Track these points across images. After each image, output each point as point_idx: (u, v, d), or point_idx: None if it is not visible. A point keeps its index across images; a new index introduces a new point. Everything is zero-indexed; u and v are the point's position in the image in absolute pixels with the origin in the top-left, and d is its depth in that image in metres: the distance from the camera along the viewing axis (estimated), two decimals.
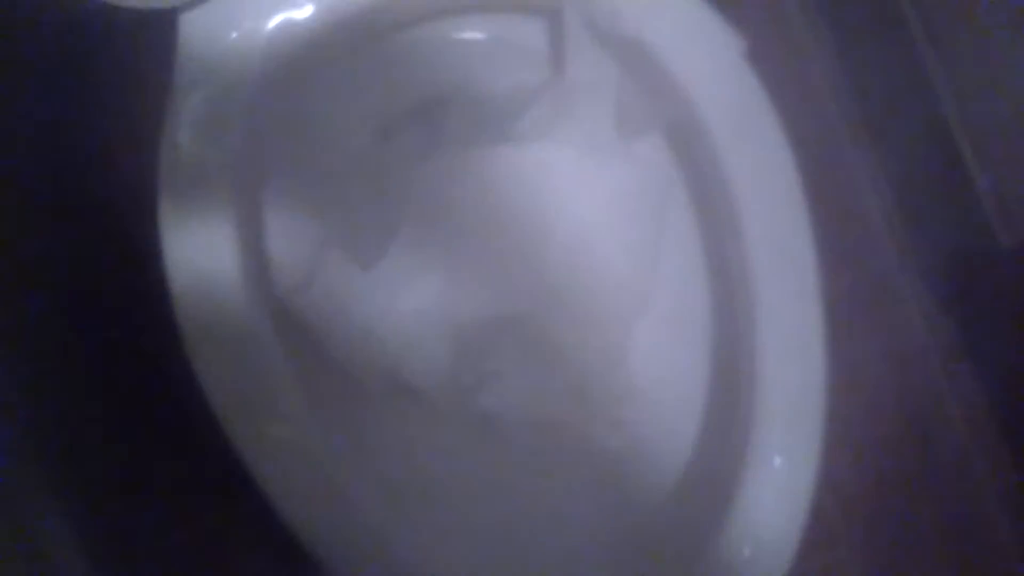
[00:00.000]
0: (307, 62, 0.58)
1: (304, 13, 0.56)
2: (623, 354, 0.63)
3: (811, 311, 0.56)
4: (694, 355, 0.62)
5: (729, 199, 0.57)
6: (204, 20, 0.55)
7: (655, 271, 0.63)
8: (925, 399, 0.91)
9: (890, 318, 0.91)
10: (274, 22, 0.56)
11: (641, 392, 0.63)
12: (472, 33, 0.64)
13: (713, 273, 0.61)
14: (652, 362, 0.63)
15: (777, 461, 0.54)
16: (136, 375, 0.74)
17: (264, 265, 0.59)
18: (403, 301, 0.63)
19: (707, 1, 0.58)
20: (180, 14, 0.55)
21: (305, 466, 0.55)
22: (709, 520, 0.55)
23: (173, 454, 0.74)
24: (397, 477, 0.60)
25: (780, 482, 0.54)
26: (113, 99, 0.77)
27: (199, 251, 0.54)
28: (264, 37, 0.55)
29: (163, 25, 0.55)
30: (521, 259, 0.63)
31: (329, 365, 0.61)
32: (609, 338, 0.63)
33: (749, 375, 0.57)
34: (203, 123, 0.54)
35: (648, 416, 0.63)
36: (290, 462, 0.55)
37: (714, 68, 0.58)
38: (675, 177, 0.63)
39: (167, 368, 0.56)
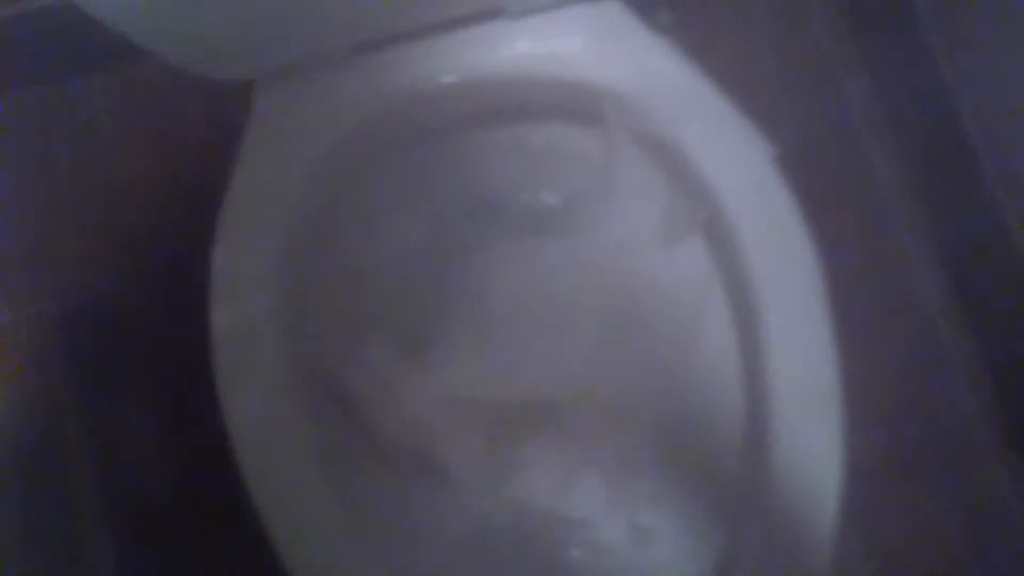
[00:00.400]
0: (370, 150, 0.64)
1: (370, 106, 0.62)
2: (651, 457, 0.63)
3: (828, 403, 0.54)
4: (717, 457, 0.60)
5: (754, 298, 0.57)
6: (278, 97, 0.61)
7: (689, 375, 0.63)
8: None
9: None
10: (340, 111, 0.62)
11: (665, 497, 0.62)
12: (527, 137, 0.68)
13: (742, 372, 0.61)
14: (678, 467, 0.62)
15: None
16: None
17: (308, 338, 0.63)
18: (444, 385, 0.65)
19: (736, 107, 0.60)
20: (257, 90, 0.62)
21: (317, 533, 0.57)
22: None
23: None
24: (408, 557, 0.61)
25: None
26: None
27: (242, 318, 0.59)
28: (330, 124, 0.62)
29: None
30: (560, 350, 0.65)
31: (360, 441, 0.64)
32: (637, 439, 0.63)
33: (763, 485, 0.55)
34: (260, 196, 0.60)
35: (669, 524, 0.61)
36: (302, 526, 0.57)
37: (743, 172, 0.59)
38: (713, 278, 0.63)
39: None
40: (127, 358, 0.94)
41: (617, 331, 0.63)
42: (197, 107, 0.95)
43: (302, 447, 0.59)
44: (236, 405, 0.58)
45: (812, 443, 0.55)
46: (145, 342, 0.94)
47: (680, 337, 0.63)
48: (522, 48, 0.62)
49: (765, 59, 1.00)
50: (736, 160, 0.60)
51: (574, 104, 0.63)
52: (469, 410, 0.65)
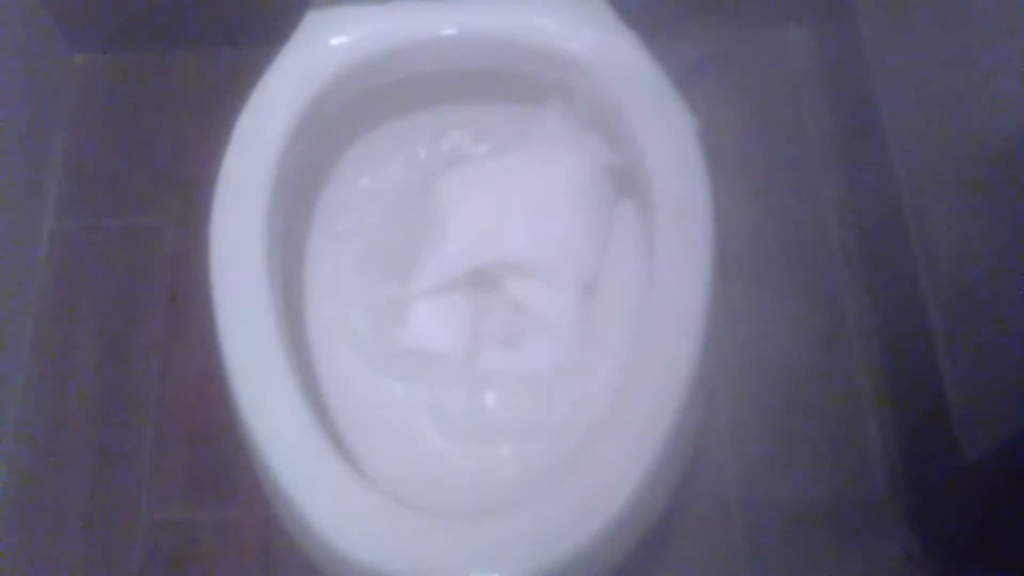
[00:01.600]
0: (373, 85, 0.80)
1: (389, 42, 0.79)
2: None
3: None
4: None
5: (655, 215, 0.71)
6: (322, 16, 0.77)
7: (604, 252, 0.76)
8: None
9: None
10: (366, 41, 0.78)
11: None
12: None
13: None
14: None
15: None
16: None
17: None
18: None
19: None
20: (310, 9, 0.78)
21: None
22: None
23: None
24: None
25: None
26: None
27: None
28: (354, 50, 0.78)
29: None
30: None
31: None
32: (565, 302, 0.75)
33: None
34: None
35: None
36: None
37: (668, 135, 0.74)
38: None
39: None
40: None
41: (547, 219, 0.76)
42: None
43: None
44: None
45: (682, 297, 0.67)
46: None
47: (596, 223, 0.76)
48: (512, 18, 0.79)
49: None
50: (663, 125, 0.74)
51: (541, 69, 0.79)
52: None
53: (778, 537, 0.96)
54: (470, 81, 0.83)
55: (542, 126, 0.79)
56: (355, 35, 0.78)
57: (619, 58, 0.77)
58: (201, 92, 1.18)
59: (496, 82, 0.83)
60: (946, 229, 0.91)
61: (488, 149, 0.84)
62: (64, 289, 1.10)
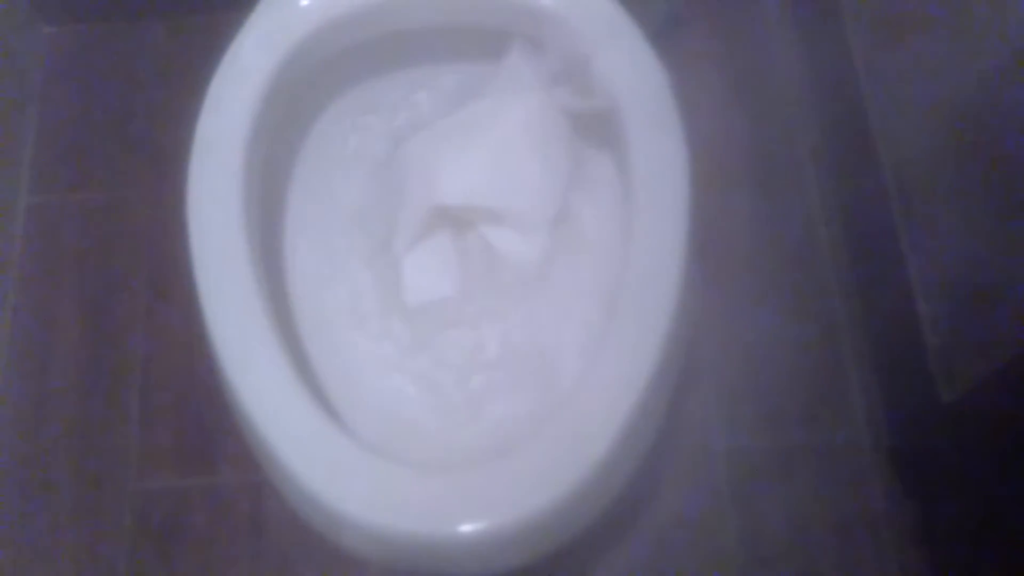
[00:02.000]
0: (346, 43, 0.80)
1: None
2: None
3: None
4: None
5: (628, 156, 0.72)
6: None
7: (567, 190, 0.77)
8: None
9: None
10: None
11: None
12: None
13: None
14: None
15: None
16: None
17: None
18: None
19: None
20: None
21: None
22: None
23: None
24: None
25: None
26: None
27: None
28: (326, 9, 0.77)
29: None
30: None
31: None
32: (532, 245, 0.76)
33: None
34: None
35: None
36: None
37: (641, 83, 0.74)
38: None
39: None
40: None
41: (507, 164, 0.77)
42: None
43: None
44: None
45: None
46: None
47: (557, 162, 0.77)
48: None
49: None
50: (637, 75, 0.74)
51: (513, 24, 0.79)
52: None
53: (761, 482, 0.98)
54: (443, 39, 0.83)
55: (496, 76, 0.79)
56: None
57: (593, 11, 0.77)
58: (172, 60, 1.17)
59: (469, 39, 0.83)
60: (920, 175, 0.92)
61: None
62: (43, 262, 1.09)
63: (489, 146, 0.76)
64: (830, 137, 1.10)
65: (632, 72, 0.75)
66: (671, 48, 0.79)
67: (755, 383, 1.02)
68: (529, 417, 0.74)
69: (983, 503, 0.87)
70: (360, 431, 0.72)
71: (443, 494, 0.62)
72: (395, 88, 0.86)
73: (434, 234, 0.78)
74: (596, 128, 0.79)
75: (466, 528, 0.61)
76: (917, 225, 0.92)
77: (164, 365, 1.04)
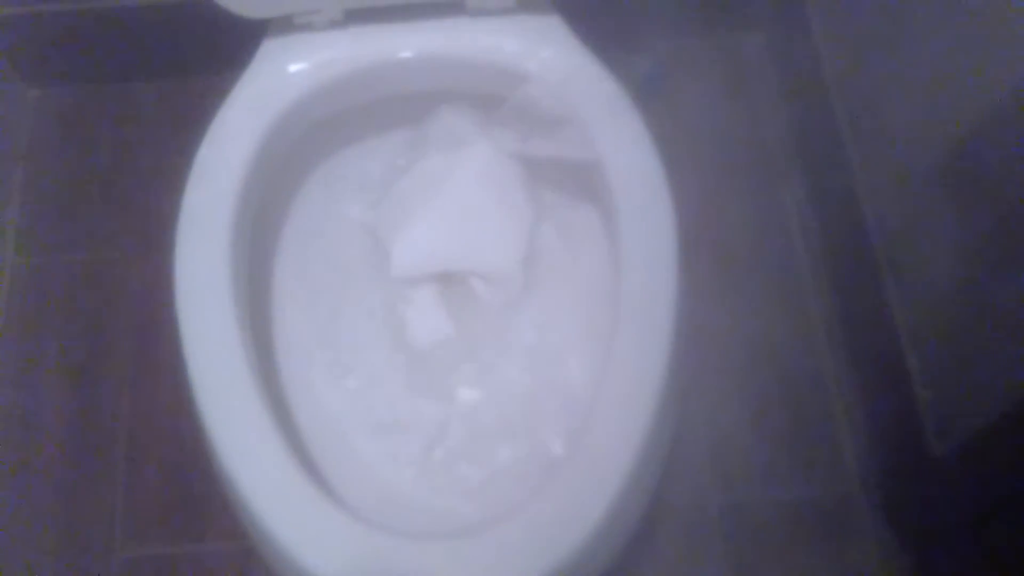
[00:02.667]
0: (340, 105, 0.80)
1: (348, 66, 0.79)
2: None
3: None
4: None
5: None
6: (280, 42, 0.78)
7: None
8: None
9: None
10: (325, 65, 0.78)
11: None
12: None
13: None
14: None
15: None
16: None
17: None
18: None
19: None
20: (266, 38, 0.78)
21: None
22: None
23: None
24: None
25: None
26: None
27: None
28: (315, 73, 0.78)
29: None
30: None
31: None
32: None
33: None
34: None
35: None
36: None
37: (626, 145, 0.75)
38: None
39: None
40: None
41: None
42: None
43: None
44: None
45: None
46: None
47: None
48: (469, 39, 0.79)
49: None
50: (620, 131, 0.75)
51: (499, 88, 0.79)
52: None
53: (756, 541, 0.97)
54: (429, 104, 0.83)
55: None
56: (312, 61, 0.78)
57: (576, 72, 0.78)
58: (159, 124, 1.17)
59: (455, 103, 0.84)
60: (905, 227, 0.92)
61: None
62: (27, 325, 1.08)
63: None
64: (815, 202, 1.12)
65: (616, 128, 0.75)
66: (653, 102, 0.81)
67: (748, 435, 1.01)
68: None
69: (975, 553, 0.87)
70: (351, 496, 0.71)
71: (433, 566, 0.61)
72: (383, 151, 0.87)
73: (426, 284, 0.80)
74: (576, 177, 0.79)
75: None
76: (902, 276, 0.93)
77: (150, 431, 1.03)
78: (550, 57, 0.78)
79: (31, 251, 1.12)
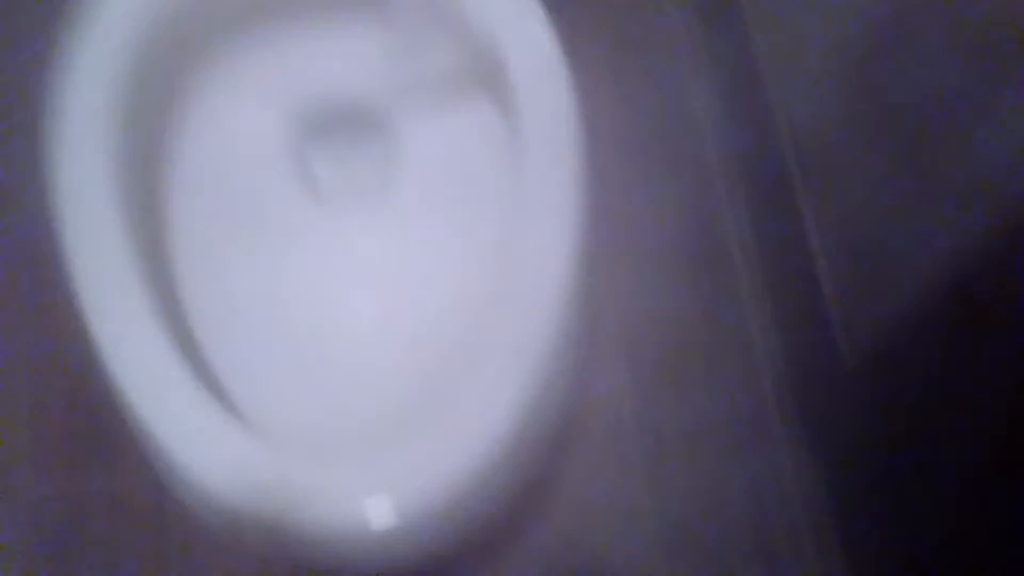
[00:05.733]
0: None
1: None
2: None
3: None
4: None
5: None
6: None
7: None
8: None
9: None
10: None
11: None
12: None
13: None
14: None
15: None
16: None
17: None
18: None
19: None
20: None
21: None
22: None
23: None
24: None
25: None
26: None
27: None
28: None
29: None
30: None
31: None
32: None
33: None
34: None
35: None
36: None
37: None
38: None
39: None
40: None
41: None
42: None
43: None
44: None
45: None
46: None
47: None
48: None
49: None
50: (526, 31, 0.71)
51: None
52: None
53: (670, 452, 0.98)
54: None
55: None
56: None
57: None
58: None
59: None
60: (816, 139, 0.93)
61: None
62: None
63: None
64: (730, 112, 1.11)
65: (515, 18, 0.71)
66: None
67: (665, 351, 1.02)
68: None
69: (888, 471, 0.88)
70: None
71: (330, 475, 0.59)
72: (280, 55, 0.82)
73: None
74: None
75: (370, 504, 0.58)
76: (815, 194, 0.93)
77: (53, 361, 0.99)
78: None
79: None
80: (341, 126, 0.83)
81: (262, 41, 0.80)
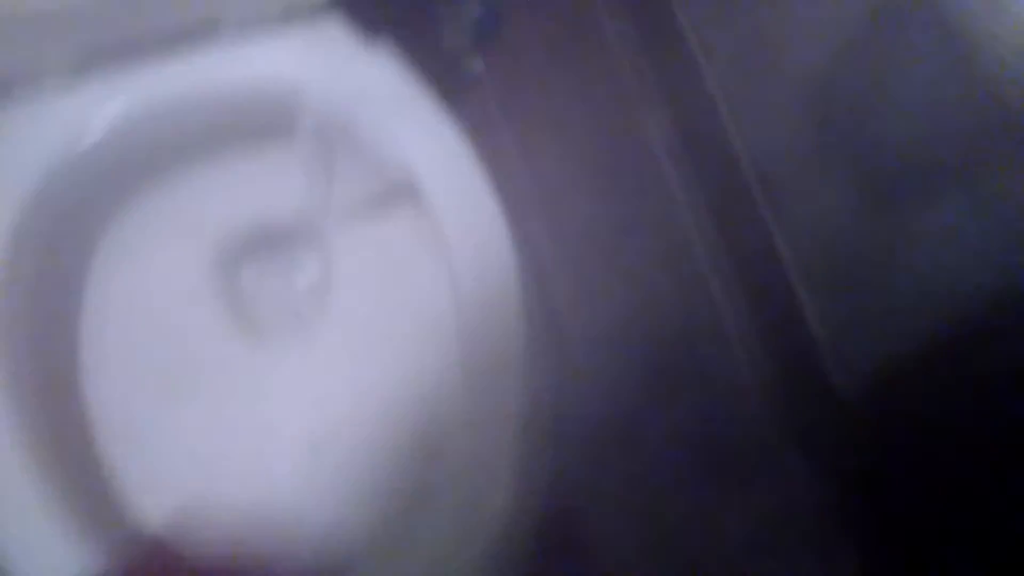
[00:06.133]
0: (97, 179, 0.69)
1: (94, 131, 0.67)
2: None
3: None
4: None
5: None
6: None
7: None
8: None
9: None
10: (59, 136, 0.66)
11: None
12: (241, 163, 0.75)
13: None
14: None
15: None
16: None
17: None
18: None
19: None
20: None
21: None
22: None
23: None
24: None
25: None
26: None
27: None
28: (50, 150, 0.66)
29: None
30: None
31: None
32: None
33: None
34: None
35: None
36: None
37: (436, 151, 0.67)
38: None
39: None
40: None
41: None
42: None
43: None
44: None
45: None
46: None
47: None
48: (236, 68, 0.68)
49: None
50: (429, 141, 0.67)
51: (279, 119, 0.69)
52: None
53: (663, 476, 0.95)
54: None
55: None
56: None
57: (360, 80, 0.67)
58: None
59: (240, 129, 0.73)
60: (778, 164, 0.85)
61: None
62: None
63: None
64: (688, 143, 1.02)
65: (425, 136, 0.67)
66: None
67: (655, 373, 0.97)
68: None
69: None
70: None
71: None
72: (177, 195, 0.77)
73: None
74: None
75: None
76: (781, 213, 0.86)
77: None
78: (323, 72, 0.67)
79: None
80: (268, 252, 0.78)
81: (176, 177, 0.74)
